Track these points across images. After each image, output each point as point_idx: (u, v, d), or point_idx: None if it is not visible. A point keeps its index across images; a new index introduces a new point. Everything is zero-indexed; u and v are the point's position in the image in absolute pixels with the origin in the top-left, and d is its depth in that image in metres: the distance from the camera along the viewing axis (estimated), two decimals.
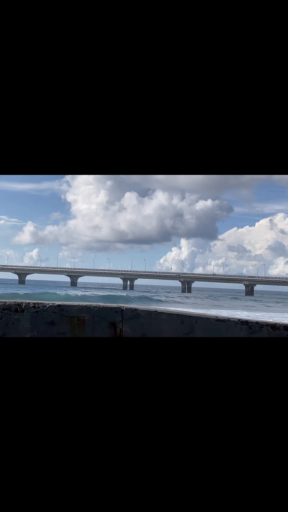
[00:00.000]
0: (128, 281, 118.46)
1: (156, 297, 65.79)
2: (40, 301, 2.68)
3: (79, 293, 57.81)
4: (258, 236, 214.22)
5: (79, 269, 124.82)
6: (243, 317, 2.79)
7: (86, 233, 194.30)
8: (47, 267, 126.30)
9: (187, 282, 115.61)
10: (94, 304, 2.71)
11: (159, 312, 2.68)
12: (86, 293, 58.68)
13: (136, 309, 2.67)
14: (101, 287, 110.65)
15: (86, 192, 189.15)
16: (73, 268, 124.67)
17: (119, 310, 2.65)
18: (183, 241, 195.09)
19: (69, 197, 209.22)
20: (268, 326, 2.65)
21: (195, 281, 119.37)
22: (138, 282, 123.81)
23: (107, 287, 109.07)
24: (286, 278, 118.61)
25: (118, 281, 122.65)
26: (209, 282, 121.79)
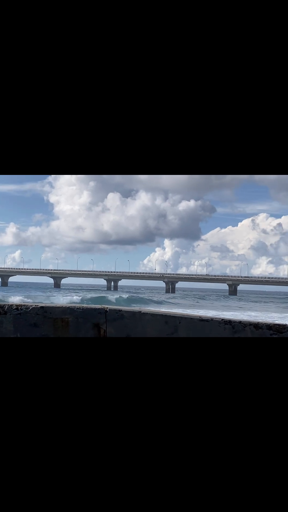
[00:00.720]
0: (112, 282, 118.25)
1: (159, 300, 65.18)
2: (23, 303, 2.66)
3: (77, 297, 55.46)
4: (240, 236, 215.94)
5: (63, 270, 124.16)
6: (227, 317, 2.81)
7: (69, 234, 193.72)
8: (30, 269, 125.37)
9: (171, 282, 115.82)
10: (77, 305, 2.70)
11: (143, 313, 2.68)
12: (79, 296, 57.10)
13: (120, 310, 2.67)
14: (86, 288, 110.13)
15: (68, 193, 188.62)
16: (57, 270, 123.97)
17: (103, 311, 2.64)
18: (167, 242, 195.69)
19: (52, 198, 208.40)
20: (251, 325, 2.67)
21: (179, 281, 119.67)
22: (122, 283, 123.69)
23: (91, 288, 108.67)
24: (268, 278, 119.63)
25: (102, 282, 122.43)
26: (193, 282, 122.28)
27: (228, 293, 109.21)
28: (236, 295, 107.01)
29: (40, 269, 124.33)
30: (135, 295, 70.17)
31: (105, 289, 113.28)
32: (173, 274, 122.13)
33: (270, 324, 2.70)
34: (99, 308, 2.66)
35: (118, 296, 58.77)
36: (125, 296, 58.61)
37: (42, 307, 2.63)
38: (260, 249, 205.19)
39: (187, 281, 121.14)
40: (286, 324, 2.71)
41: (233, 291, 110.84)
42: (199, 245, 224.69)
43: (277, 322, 2.78)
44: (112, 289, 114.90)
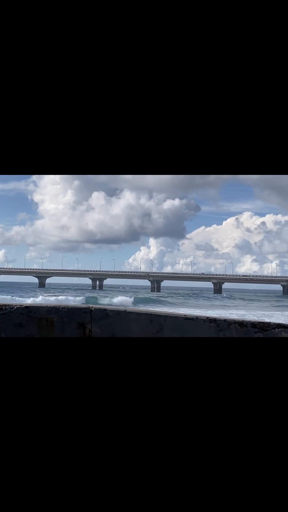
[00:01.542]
0: (97, 281, 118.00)
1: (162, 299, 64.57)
2: (7, 303, 2.65)
3: (79, 298, 53.40)
4: (225, 234, 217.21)
5: (47, 269, 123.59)
6: (211, 315, 2.83)
7: (53, 233, 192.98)
8: (14, 268, 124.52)
9: (156, 281, 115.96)
10: (62, 305, 2.69)
11: (128, 311, 2.68)
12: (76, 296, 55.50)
13: (105, 309, 2.67)
14: (73, 287, 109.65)
15: (53, 192, 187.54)
16: (41, 269, 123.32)
17: (88, 311, 2.64)
18: (152, 240, 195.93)
19: (36, 197, 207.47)
20: (235, 323, 2.69)
21: (164, 280, 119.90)
22: (107, 282, 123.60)
23: (78, 288, 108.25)
24: (253, 276, 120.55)
25: (87, 281, 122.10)
26: (178, 281, 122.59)
27: (213, 292, 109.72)
28: (221, 293, 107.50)
29: (25, 269, 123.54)
30: (139, 296, 68.92)
31: (90, 288, 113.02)
32: (158, 273, 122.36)
33: (255, 322, 2.72)
34: (84, 308, 2.66)
35: (132, 298, 56.36)
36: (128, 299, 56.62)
37: (26, 306, 2.62)
38: (244, 247, 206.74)
39: (172, 279, 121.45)
40: (270, 322, 2.74)
41: (218, 289, 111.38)
42: (184, 243, 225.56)
43: (261, 320, 2.81)
44: (98, 288, 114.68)
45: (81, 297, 52.49)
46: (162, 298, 66.13)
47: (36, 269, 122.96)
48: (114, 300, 52.55)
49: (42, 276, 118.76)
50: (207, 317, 2.71)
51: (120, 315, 2.65)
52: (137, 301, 54.19)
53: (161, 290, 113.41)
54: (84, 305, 2.69)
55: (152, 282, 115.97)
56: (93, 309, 2.65)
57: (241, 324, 2.69)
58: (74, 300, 47.35)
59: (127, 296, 59.30)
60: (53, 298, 48.43)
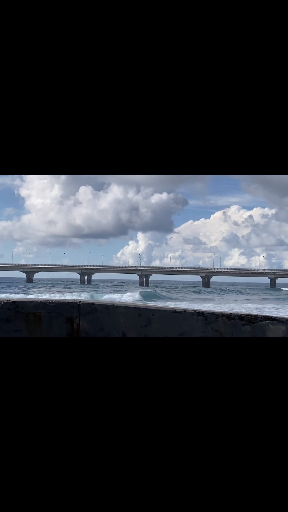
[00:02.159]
0: (86, 276, 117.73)
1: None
2: None
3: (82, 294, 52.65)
4: (213, 228, 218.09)
5: (35, 265, 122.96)
6: (199, 308, 2.84)
7: (41, 228, 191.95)
8: (1, 264, 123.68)
9: (144, 275, 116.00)
10: (50, 299, 2.68)
11: (116, 305, 2.68)
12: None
13: (93, 304, 2.66)
14: (62, 283, 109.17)
15: (40, 187, 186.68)
16: (29, 264, 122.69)
17: (76, 305, 2.63)
18: (140, 235, 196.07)
19: (23, 192, 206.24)
20: (223, 316, 2.70)
21: (153, 274, 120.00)
22: (96, 276, 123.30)
23: (66, 283, 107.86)
24: (241, 269, 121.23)
25: (76, 276, 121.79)
26: (166, 274, 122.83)
27: (201, 285, 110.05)
28: (209, 286, 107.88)
29: (12, 264, 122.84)
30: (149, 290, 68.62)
31: (79, 283, 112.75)
32: (147, 267, 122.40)
33: (242, 315, 2.74)
34: (72, 302, 2.65)
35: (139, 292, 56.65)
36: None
37: (14, 302, 2.60)
38: (232, 241, 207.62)
39: (160, 273, 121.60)
40: (257, 315, 2.75)
41: (206, 283, 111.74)
42: (172, 237, 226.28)
43: (249, 312, 2.83)
44: (86, 283, 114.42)
45: (77, 294, 52.13)
46: (165, 294, 66.54)
47: (23, 264, 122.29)
48: (123, 296, 52.88)
49: (29, 271, 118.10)
50: (195, 310, 2.72)
51: (108, 309, 2.64)
52: (143, 296, 54.79)
53: (149, 284, 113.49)
54: (72, 300, 2.68)
55: (140, 276, 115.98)
56: (81, 303, 2.65)
57: (229, 317, 2.71)
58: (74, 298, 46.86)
59: (133, 292, 59.39)
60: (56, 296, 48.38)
